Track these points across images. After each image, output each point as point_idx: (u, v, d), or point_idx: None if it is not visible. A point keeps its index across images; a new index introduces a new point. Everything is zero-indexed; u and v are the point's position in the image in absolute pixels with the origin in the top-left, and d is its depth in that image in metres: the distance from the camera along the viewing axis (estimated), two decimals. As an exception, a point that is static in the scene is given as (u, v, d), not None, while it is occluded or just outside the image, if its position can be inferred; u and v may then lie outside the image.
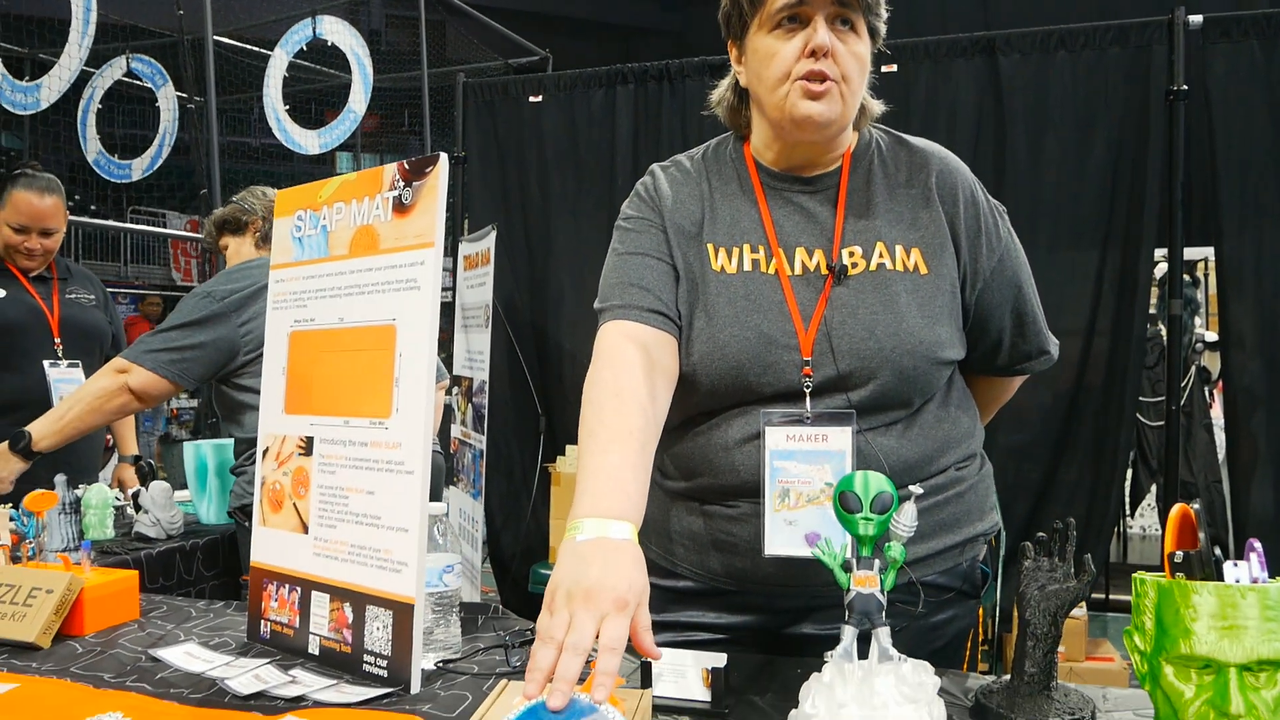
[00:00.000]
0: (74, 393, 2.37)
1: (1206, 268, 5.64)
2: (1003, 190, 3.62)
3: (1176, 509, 1.05)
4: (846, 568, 1.06)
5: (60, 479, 1.86)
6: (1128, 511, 5.82)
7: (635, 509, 1.13)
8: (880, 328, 1.31)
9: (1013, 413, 1.94)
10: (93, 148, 7.02)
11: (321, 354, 1.43)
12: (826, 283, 1.33)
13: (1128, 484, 5.24)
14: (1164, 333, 4.73)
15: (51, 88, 4.65)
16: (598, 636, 0.96)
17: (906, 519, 1.06)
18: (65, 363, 2.88)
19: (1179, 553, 1.00)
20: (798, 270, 1.35)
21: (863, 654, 1.04)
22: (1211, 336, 5.31)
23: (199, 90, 7.54)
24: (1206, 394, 5.29)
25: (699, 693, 1.17)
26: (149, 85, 7.22)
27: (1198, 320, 5.46)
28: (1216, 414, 5.17)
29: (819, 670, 1.06)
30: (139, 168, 7.12)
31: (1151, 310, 4.29)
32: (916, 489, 1.07)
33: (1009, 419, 1.40)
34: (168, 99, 7.19)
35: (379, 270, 1.35)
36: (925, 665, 1.04)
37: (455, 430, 4.52)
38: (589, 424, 1.22)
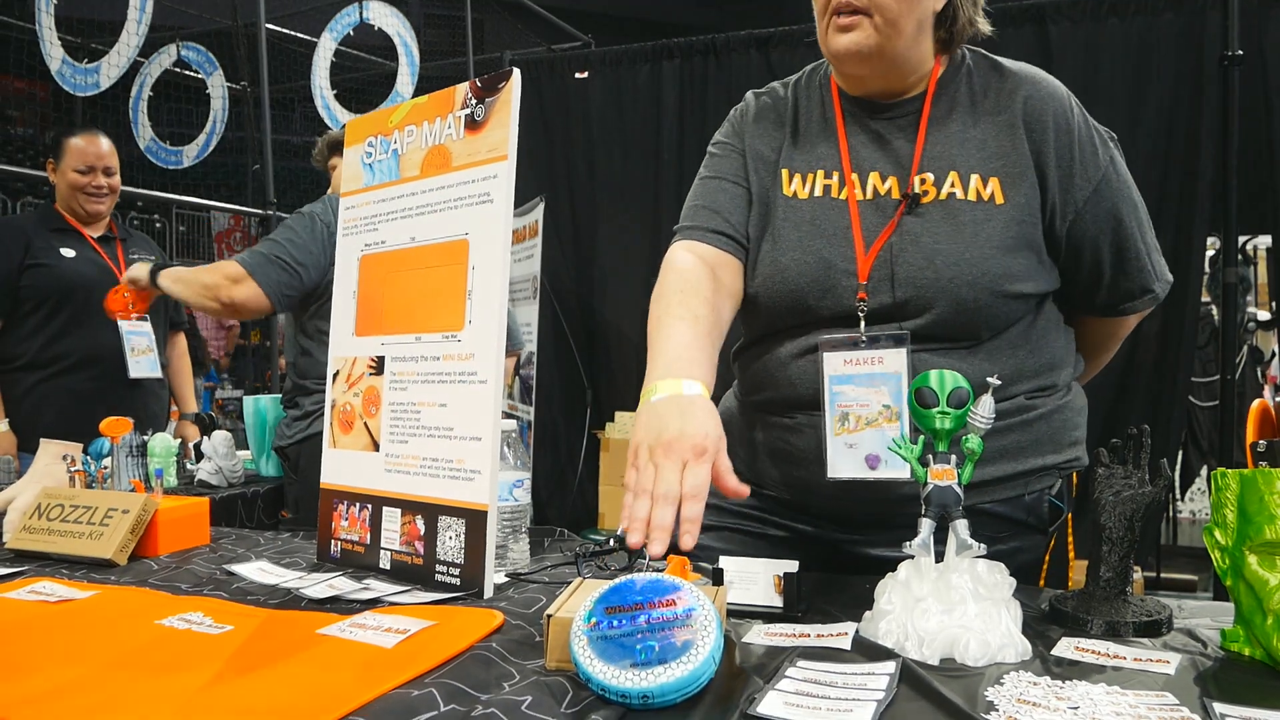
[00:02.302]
0: (190, 274, 2.50)
1: (1255, 253, 5.55)
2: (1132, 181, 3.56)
3: (1256, 403, 1.05)
4: (923, 461, 1.06)
5: (129, 421, 1.90)
6: (1177, 494, 5.74)
7: (706, 373, 1.18)
8: (941, 258, 1.29)
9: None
10: (145, 135, 7.13)
11: (392, 274, 1.45)
12: (898, 209, 1.32)
13: (1178, 466, 5.16)
14: (1215, 311, 4.66)
15: (112, 63, 4.73)
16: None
17: (984, 410, 1.05)
18: (135, 316, 2.95)
19: (1261, 442, 1.00)
20: (869, 194, 1.35)
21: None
22: (1264, 315, 5.23)
23: (249, 76, 7.64)
24: (1259, 374, 5.21)
25: (771, 598, 1.18)
26: (199, 74, 7.32)
27: (1249, 299, 5.38)
28: (1269, 394, 5.09)
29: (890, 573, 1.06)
30: (190, 154, 7.22)
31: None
32: (994, 380, 1.06)
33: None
34: (218, 86, 7.29)
35: (451, 188, 1.37)
36: (1000, 566, 1.04)
37: (502, 403, 4.56)
38: (656, 315, 1.27)
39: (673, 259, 1.37)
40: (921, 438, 1.07)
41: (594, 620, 0.93)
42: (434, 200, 1.39)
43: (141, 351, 2.94)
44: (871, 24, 1.28)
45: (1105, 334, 1.52)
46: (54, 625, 1.18)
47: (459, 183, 1.36)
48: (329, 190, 2.81)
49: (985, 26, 1.40)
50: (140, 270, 2.61)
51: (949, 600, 1.00)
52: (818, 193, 1.38)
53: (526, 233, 4.29)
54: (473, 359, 1.30)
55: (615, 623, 0.92)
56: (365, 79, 7.85)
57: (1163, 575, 4.79)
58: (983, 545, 1.02)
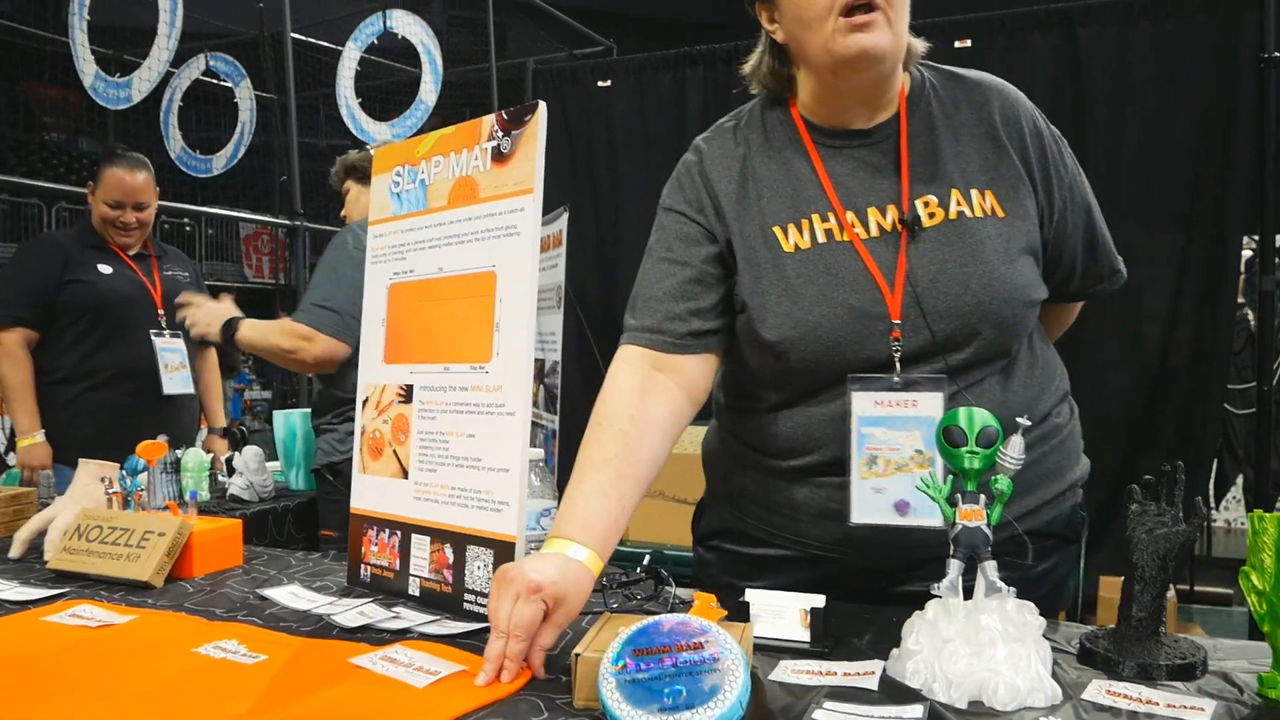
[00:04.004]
0: (264, 337, 2.54)
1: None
2: (1082, 167, 3.54)
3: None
4: (951, 502, 1.06)
5: (163, 437, 1.93)
6: (1213, 503, 5.67)
7: (599, 534, 1.17)
8: (974, 280, 1.27)
9: (1090, 399, 1.90)
10: (175, 144, 7.22)
11: (420, 304, 1.46)
12: (902, 239, 1.29)
13: (1212, 474, 5.10)
14: (1250, 316, 4.61)
15: (143, 78, 4.79)
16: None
17: (1014, 451, 1.05)
18: (168, 333, 3.01)
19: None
20: (873, 231, 1.31)
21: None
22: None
23: (277, 85, 7.71)
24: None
25: (797, 633, 1.18)
26: (227, 83, 7.40)
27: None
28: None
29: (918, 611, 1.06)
30: (219, 162, 7.31)
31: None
32: (1025, 420, 1.06)
33: (1085, 404, 1.37)
34: (245, 94, 7.38)
35: (478, 219, 1.38)
36: (1029, 605, 1.04)
37: (528, 412, 4.56)
38: (581, 449, 1.27)
39: (610, 374, 1.35)
40: (950, 477, 1.07)
41: (622, 663, 0.94)
42: (461, 231, 1.40)
43: (175, 368, 2.98)
44: (885, 19, 1.23)
45: (1066, 315, 1.54)
46: (94, 651, 1.20)
47: (486, 214, 1.37)
48: (343, 211, 2.83)
49: (921, 45, 1.36)
50: (213, 330, 2.65)
51: (977, 642, 0.99)
52: (820, 239, 1.32)
53: (550, 242, 4.30)
54: (501, 391, 1.31)
55: (643, 665, 0.93)
56: (389, 86, 7.90)
57: (1196, 589, 4.73)
58: (1012, 589, 1.02)
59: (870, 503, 1.27)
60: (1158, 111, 3.56)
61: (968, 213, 1.30)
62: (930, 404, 1.25)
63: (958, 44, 3.83)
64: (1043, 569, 1.36)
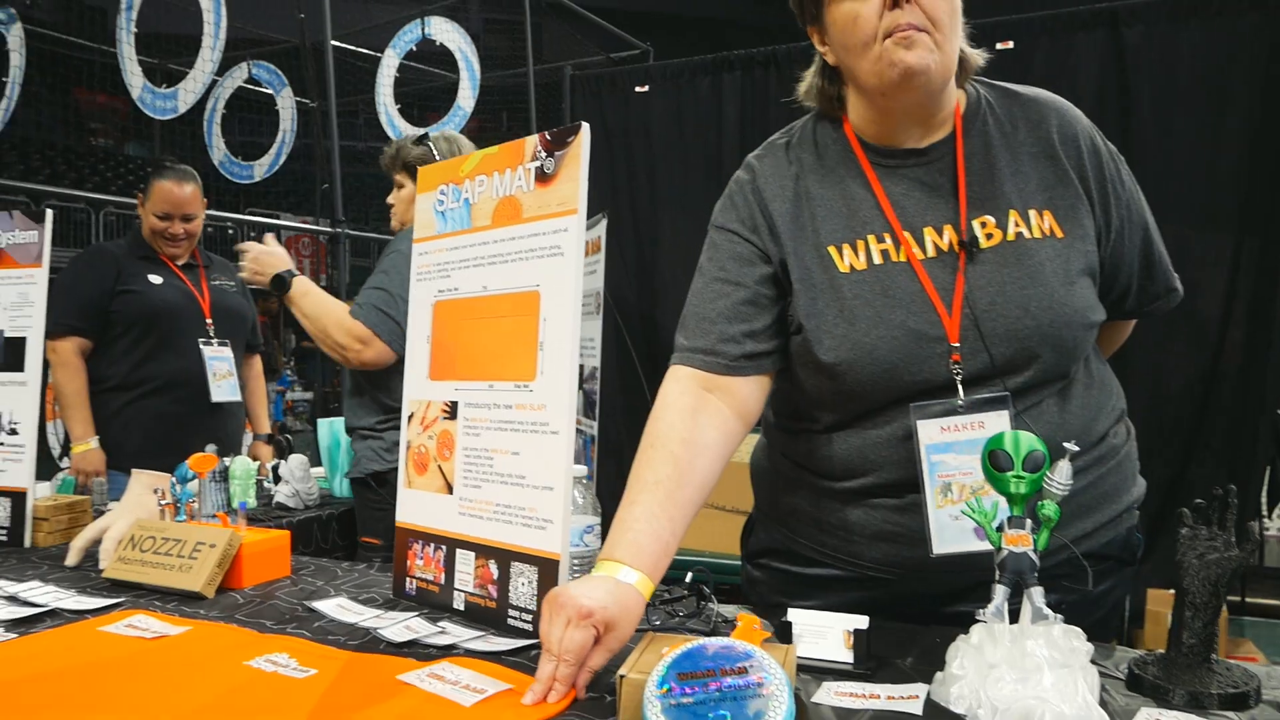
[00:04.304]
0: (318, 316, 2.52)
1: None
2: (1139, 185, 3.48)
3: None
4: (998, 527, 1.06)
5: (212, 448, 1.97)
6: (1265, 512, 5.55)
7: (649, 557, 1.18)
8: (1034, 303, 1.25)
9: (1139, 403, 1.87)
10: (218, 151, 7.34)
11: (465, 321, 1.48)
12: (960, 260, 1.28)
13: (1265, 481, 5.00)
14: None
15: (188, 89, 4.88)
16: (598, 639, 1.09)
17: (1062, 477, 1.04)
18: (216, 342, 3.06)
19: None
20: (930, 252, 1.29)
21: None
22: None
23: (318, 93, 7.81)
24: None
25: (840, 654, 1.18)
26: (269, 90, 7.51)
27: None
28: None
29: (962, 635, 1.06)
30: (261, 169, 7.42)
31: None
32: (1072, 446, 1.05)
33: (1134, 409, 1.36)
34: (287, 102, 7.48)
35: (522, 239, 1.39)
36: (1076, 630, 1.03)
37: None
38: (633, 469, 1.27)
39: (661, 394, 1.34)
40: (996, 501, 1.07)
41: (667, 687, 0.94)
42: (505, 251, 1.42)
43: (222, 376, 3.04)
44: (932, 40, 1.22)
45: (1119, 332, 1.53)
46: (150, 663, 1.23)
47: (530, 234, 1.38)
48: (389, 198, 2.80)
49: (979, 59, 1.35)
50: (263, 278, 2.61)
51: (1023, 668, 0.99)
52: (876, 259, 1.30)
53: (589, 248, 4.32)
54: (545, 410, 1.33)
55: (688, 689, 0.94)
56: (427, 91, 7.97)
57: (1248, 600, 4.63)
58: (1059, 616, 1.01)
59: (950, 530, 1.25)
60: (1207, 112, 3.50)
61: (1026, 234, 1.28)
62: (997, 423, 1.23)
63: (1000, 46, 3.79)
64: (1099, 591, 1.34)
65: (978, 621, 1.04)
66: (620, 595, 1.11)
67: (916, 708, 1.03)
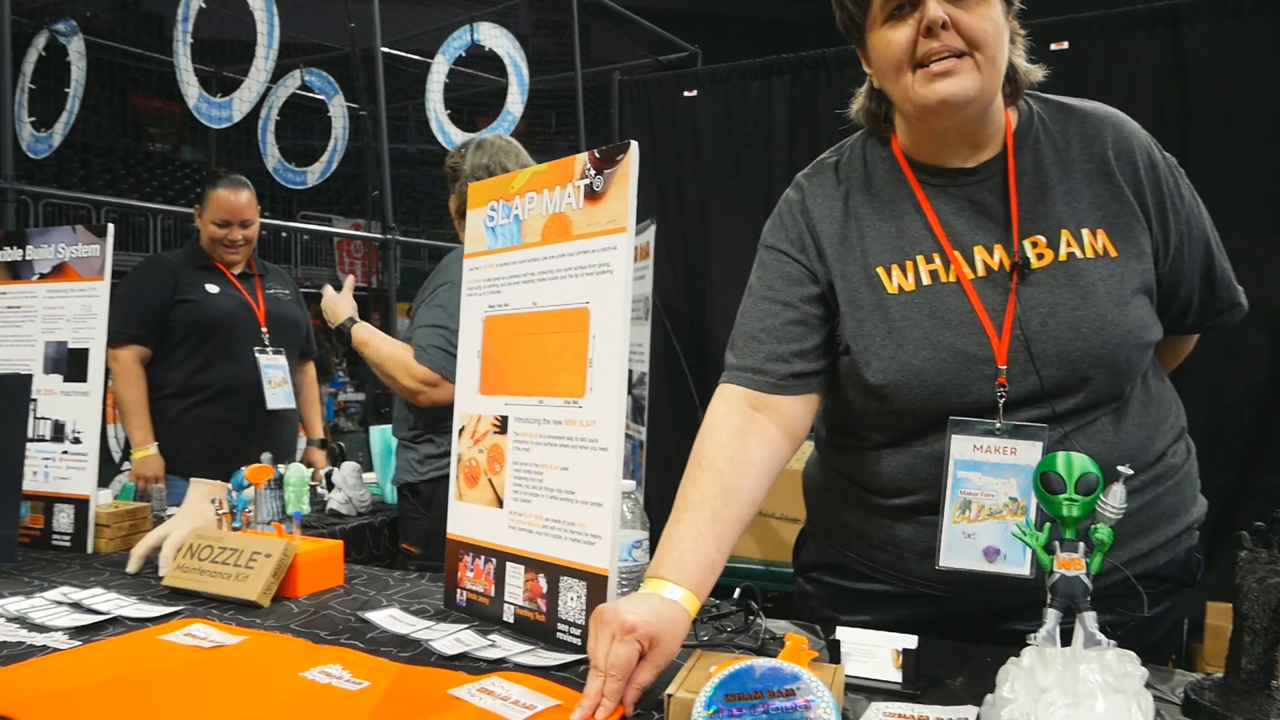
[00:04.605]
0: (383, 359, 2.54)
1: None
2: (1189, 175, 3.40)
3: None
4: (1049, 550, 1.05)
5: (267, 456, 2.01)
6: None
7: (694, 574, 1.19)
8: (1086, 324, 1.23)
9: (1199, 409, 1.82)
10: (272, 157, 7.47)
11: (515, 337, 1.50)
12: (1012, 280, 1.26)
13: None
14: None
15: (243, 98, 4.97)
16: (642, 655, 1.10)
17: (1115, 500, 1.03)
18: (271, 350, 3.12)
19: None
20: (979, 271, 1.28)
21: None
22: None
23: (368, 99, 7.91)
24: None
25: (889, 673, 1.18)
26: (321, 97, 7.63)
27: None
28: None
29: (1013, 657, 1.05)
30: (313, 174, 7.54)
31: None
32: (1126, 469, 1.04)
33: (1194, 414, 1.34)
34: (339, 108, 7.59)
35: (571, 256, 1.41)
36: (1130, 655, 1.01)
37: (615, 422, 4.60)
38: (681, 487, 1.29)
39: (709, 413, 1.35)
40: (1048, 523, 1.06)
41: (714, 708, 0.95)
42: (555, 267, 1.43)
43: (278, 384, 3.10)
44: (974, 64, 1.21)
45: (1181, 347, 1.50)
46: (208, 672, 1.26)
47: (579, 251, 1.39)
48: (453, 204, 2.78)
49: (1037, 73, 1.33)
50: (332, 322, 2.69)
51: (1075, 693, 0.98)
52: (925, 280, 1.29)
53: (638, 254, 4.33)
54: (594, 426, 1.34)
55: (735, 710, 0.94)
56: (476, 96, 8.04)
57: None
58: (1112, 641, 1.00)
59: (959, 547, 1.25)
60: (1271, 114, 3.40)
61: (1078, 253, 1.27)
62: (1029, 453, 1.23)
63: (1054, 46, 3.73)
64: (1156, 613, 1.32)
65: (1029, 644, 1.03)
66: (665, 612, 1.12)
67: (966, 731, 1.02)
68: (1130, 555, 1.28)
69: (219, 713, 1.12)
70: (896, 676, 1.17)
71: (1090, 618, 1.01)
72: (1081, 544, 1.03)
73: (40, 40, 5.58)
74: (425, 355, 2.48)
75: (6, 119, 4.29)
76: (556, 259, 1.43)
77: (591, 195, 1.39)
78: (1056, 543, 1.04)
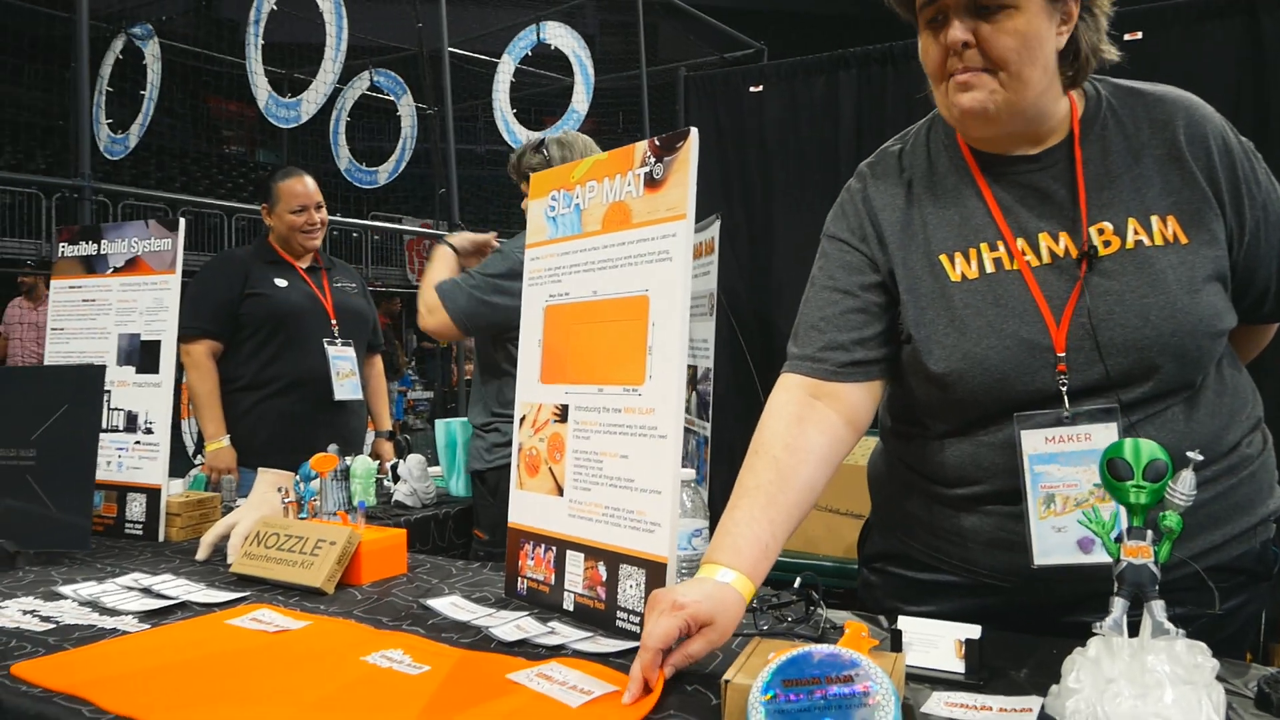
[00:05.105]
0: (430, 277, 2.66)
1: None
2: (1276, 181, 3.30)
3: None
4: (1117, 538, 1.02)
5: (334, 448, 2.05)
6: None
7: (748, 559, 1.19)
8: (1154, 312, 1.21)
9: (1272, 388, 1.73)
10: (343, 157, 7.61)
11: (575, 326, 1.50)
12: (1081, 269, 1.24)
13: None
14: None
15: (311, 100, 5.07)
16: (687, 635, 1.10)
17: (1184, 487, 1.00)
18: (340, 342, 3.18)
19: None
20: (1045, 258, 1.27)
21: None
22: None
23: (435, 99, 8.02)
24: None
25: (952, 663, 1.16)
26: (390, 97, 7.75)
27: None
28: None
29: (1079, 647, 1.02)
30: (384, 174, 7.67)
31: None
32: (1196, 455, 1.01)
33: (1272, 405, 1.29)
34: (406, 108, 7.70)
35: (631, 244, 1.41)
36: (1201, 646, 0.98)
37: (678, 417, 4.59)
38: (740, 475, 1.29)
39: (769, 402, 1.35)
40: (1115, 510, 1.03)
41: (771, 693, 0.94)
42: (615, 256, 1.43)
43: (345, 375, 3.15)
44: (996, 80, 1.22)
45: (1260, 336, 1.45)
46: (273, 656, 1.29)
47: (639, 239, 1.39)
48: (524, 203, 2.82)
49: (1113, 53, 1.29)
50: (454, 238, 2.84)
51: (1143, 684, 0.95)
52: (989, 268, 1.29)
53: (703, 249, 4.32)
54: (653, 414, 1.34)
55: (792, 696, 0.93)
56: (542, 94, 8.10)
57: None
58: (1181, 631, 0.97)
59: (1052, 543, 1.22)
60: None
61: (1146, 241, 1.24)
62: (1104, 436, 1.20)
63: (1127, 37, 3.63)
64: (1229, 607, 1.29)
65: (1095, 634, 1.00)
66: (717, 593, 1.13)
67: (1030, 722, 1.00)
68: (1202, 547, 1.25)
69: (281, 694, 1.14)
70: (959, 667, 1.15)
71: (1158, 606, 0.98)
72: (1149, 532, 1.00)
73: (118, 44, 5.75)
74: (443, 285, 2.57)
75: (85, 120, 4.44)
76: (616, 247, 1.43)
77: (651, 183, 1.39)
78: (1124, 530, 1.01)
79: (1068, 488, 1.22)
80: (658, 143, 1.38)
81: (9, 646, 1.32)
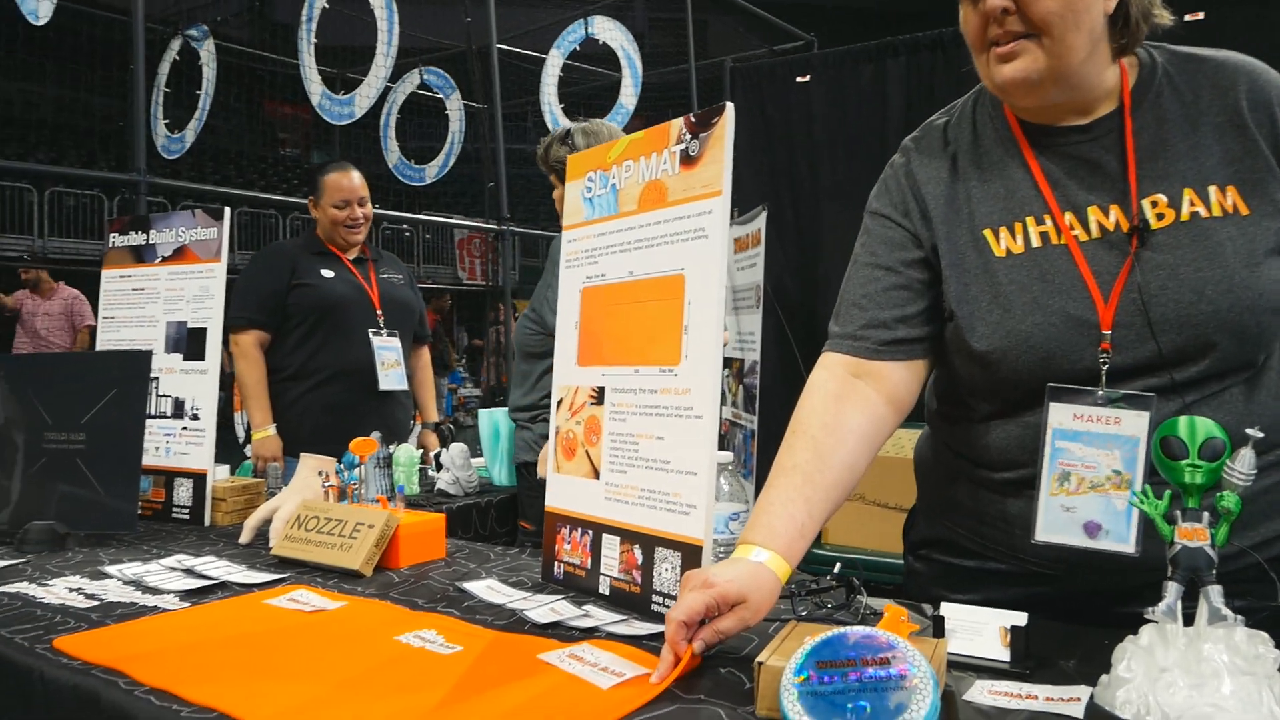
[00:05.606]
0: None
1: None
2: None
3: None
4: (1170, 519, 0.97)
5: (377, 435, 2.05)
6: None
7: (783, 539, 1.16)
8: (1210, 286, 1.15)
9: None
10: (393, 155, 7.68)
11: (612, 307, 1.48)
12: (1131, 243, 1.19)
13: None
14: None
15: (363, 94, 5.12)
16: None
17: (1244, 466, 0.95)
18: (385, 332, 3.19)
19: None
20: (1094, 232, 1.21)
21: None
22: None
23: (484, 95, 8.07)
24: None
25: (997, 651, 1.12)
26: (439, 95, 7.81)
27: None
28: None
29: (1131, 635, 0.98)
30: (432, 171, 7.72)
31: None
32: (1256, 432, 0.96)
33: None
34: (455, 105, 7.75)
35: (667, 222, 1.38)
36: (1262, 635, 0.94)
37: (726, 411, 4.57)
38: (778, 455, 1.26)
39: (809, 381, 1.32)
40: (1168, 491, 0.98)
41: (805, 674, 0.91)
42: (651, 235, 1.41)
43: (390, 365, 3.16)
44: (1039, 46, 1.17)
45: None
46: (308, 634, 1.29)
47: (674, 218, 1.37)
48: (555, 193, 2.79)
49: (1166, 17, 1.24)
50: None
51: (1199, 674, 0.91)
52: (1035, 243, 1.23)
53: (749, 241, 4.28)
54: (689, 394, 1.31)
55: (826, 678, 0.91)
56: (590, 90, 8.11)
57: None
58: (1240, 617, 0.92)
59: (1057, 520, 1.18)
60: None
61: (1203, 212, 1.18)
62: (1134, 423, 1.15)
63: (1189, 17, 3.53)
64: None
65: (1148, 621, 0.96)
66: (750, 572, 1.11)
67: (1077, 710, 0.96)
68: (1265, 536, 1.19)
69: (313, 671, 1.14)
70: (1004, 655, 1.11)
71: (1215, 591, 0.93)
72: (1206, 513, 0.95)
73: (175, 45, 5.86)
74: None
75: (140, 117, 4.52)
76: (652, 226, 1.41)
77: (687, 160, 1.36)
78: (1178, 512, 0.96)
79: (1086, 469, 1.17)
80: (693, 119, 1.35)
81: (54, 621, 1.34)
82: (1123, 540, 1.14)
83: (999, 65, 1.20)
